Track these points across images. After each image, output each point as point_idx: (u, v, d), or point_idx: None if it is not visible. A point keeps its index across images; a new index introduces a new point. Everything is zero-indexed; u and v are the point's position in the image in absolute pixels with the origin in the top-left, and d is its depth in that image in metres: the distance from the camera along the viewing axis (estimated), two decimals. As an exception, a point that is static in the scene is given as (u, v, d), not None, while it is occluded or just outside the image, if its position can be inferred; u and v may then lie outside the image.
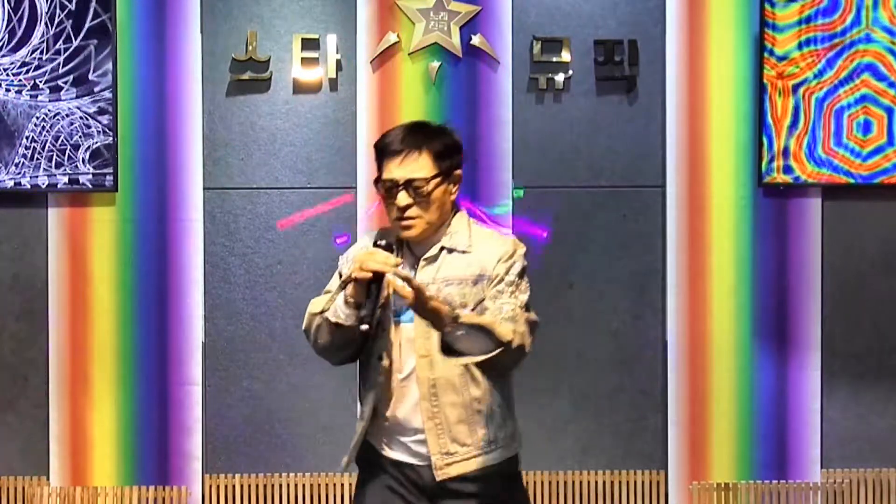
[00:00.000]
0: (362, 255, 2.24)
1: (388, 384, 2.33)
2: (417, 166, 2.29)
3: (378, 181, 2.35)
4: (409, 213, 2.30)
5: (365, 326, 2.21)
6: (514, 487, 2.45)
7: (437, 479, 2.31)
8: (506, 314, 2.27)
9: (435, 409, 2.30)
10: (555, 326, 3.84)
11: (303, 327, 2.41)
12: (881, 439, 3.91)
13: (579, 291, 3.87)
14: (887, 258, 3.91)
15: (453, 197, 2.38)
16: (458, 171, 2.38)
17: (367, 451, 2.41)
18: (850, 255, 3.89)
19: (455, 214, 2.40)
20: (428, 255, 2.34)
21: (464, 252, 2.34)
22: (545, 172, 3.85)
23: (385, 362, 2.32)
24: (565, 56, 3.82)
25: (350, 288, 2.24)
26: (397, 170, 2.30)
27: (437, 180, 2.31)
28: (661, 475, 3.86)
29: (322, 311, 2.31)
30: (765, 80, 3.75)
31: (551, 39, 3.83)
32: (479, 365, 2.27)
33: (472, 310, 2.29)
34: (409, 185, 2.28)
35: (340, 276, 2.42)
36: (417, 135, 2.33)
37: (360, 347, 2.37)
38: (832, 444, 3.88)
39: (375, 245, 2.27)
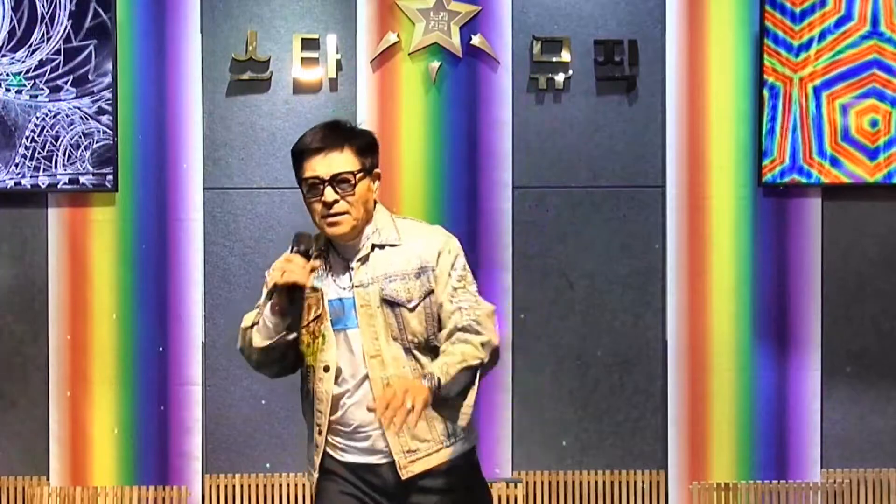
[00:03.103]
0: (281, 262, 2.27)
1: (340, 392, 2.33)
2: (342, 161, 2.31)
3: (301, 181, 2.35)
4: (336, 208, 2.30)
5: (293, 335, 2.28)
6: (476, 479, 2.45)
7: (403, 477, 2.30)
8: (463, 322, 2.30)
9: None
10: (555, 326, 3.84)
11: (238, 346, 2.41)
12: (881, 439, 3.91)
13: (579, 291, 3.87)
14: (887, 258, 3.91)
15: (375, 195, 2.39)
16: (378, 170, 2.40)
17: (323, 459, 2.40)
18: (850, 255, 3.89)
19: (376, 211, 2.41)
20: (360, 255, 2.35)
21: (394, 246, 2.36)
22: (545, 172, 3.85)
23: (332, 372, 2.32)
24: (565, 56, 3.82)
25: (275, 296, 2.27)
26: (321, 166, 2.31)
27: (361, 175, 2.32)
28: (661, 475, 3.86)
29: (253, 325, 2.33)
30: (766, 77, 3.75)
31: (551, 39, 3.83)
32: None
33: (419, 303, 2.31)
34: (334, 180, 2.30)
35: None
36: (337, 132, 2.35)
37: (296, 358, 2.38)
38: (832, 444, 3.88)
39: (292, 251, 2.29)
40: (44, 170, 3.72)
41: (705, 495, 3.83)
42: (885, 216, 3.90)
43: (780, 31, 3.75)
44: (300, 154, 2.36)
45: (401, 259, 2.34)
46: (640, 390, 3.88)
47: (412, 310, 2.31)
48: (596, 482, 3.86)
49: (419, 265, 2.33)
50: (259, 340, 2.31)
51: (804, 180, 3.79)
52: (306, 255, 2.28)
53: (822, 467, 3.87)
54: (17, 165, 3.71)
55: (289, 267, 2.24)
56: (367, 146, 2.36)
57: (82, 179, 3.72)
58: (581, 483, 3.86)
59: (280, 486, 3.82)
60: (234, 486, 3.81)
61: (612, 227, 3.87)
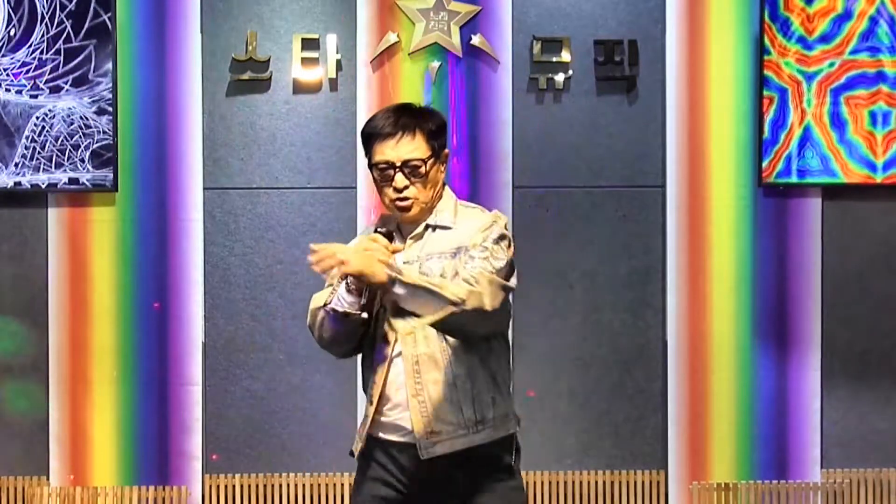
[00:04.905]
0: (365, 241, 2.27)
1: (384, 365, 2.33)
2: (413, 147, 2.32)
3: (372, 165, 2.36)
4: (406, 193, 2.32)
5: (365, 314, 2.25)
6: (506, 469, 2.39)
7: (423, 458, 2.29)
8: (465, 275, 2.24)
9: (418, 385, 2.30)
10: (555, 327, 3.84)
11: (307, 323, 2.41)
12: (881, 439, 3.91)
13: (579, 291, 3.87)
14: (887, 258, 3.91)
15: (443, 176, 2.40)
16: (447, 151, 2.41)
17: (366, 443, 2.40)
18: (850, 255, 3.89)
19: (443, 194, 2.42)
20: (414, 233, 2.37)
21: (447, 228, 2.37)
22: (545, 172, 3.85)
23: (383, 343, 2.33)
24: (565, 56, 3.82)
25: (353, 276, 2.25)
26: (392, 152, 2.31)
27: (432, 160, 2.34)
28: (661, 475, 3.86)
29: (325, 305, 2.33)
30: (767, 73, 3.75)
31: (551, 39, 3.83)
32: (436, 326, 2.24)
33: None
34: (405, 165, 2.31)
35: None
36: (408, 116, 2.35)
37: (363, 338, 2.38)
38: (832, 444, 3.88)
39: (376, 231, 2.30)
40: (44, 170, 3.72)
41: (705, 495, 3.83)
42: (885, 216, 3.90)
43: (793, 18, 3.73)
44: (371, 138, 2.36)
45: (445, 241, 2.35)
46: (640, 390, 3.88)
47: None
48: (596, 482, 3.86)
49: (457, 245, 2.34)
50: (331, 320, 2.31)
51: (810, 180, 3.79)
52: (389, 237, 2.29)
53: (822, 467, 3.87)
54: (17, 165, 3.71)
55: (373, 247, 2.23)
56: (437, 129, 2.37)
57: (82, 179, 3.72)
58: (581, 483, 3.86)
59: (280, 486, 3.82)
60: (234, 486, 3.81)
61: (612, 227, 3.87)
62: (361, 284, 2.24)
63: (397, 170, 2.31)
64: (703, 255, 3.84)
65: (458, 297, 2.19)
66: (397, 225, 2.40)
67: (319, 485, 3.82)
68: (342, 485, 3.81)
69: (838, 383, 3.89)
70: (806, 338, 3.85)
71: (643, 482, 3.86)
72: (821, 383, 3.86)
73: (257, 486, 3.82)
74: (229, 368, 3.84)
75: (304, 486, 3.82)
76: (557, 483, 3.85)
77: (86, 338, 3.78)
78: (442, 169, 2.39)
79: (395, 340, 2.33)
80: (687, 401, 3.84)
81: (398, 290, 2.17)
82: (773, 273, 3.85)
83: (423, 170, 2.32)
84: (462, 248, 2.33)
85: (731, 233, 3.84)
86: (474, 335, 2.32)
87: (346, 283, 2.27)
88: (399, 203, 2.33)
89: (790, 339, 3.86)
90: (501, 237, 2.34)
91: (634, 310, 3.88)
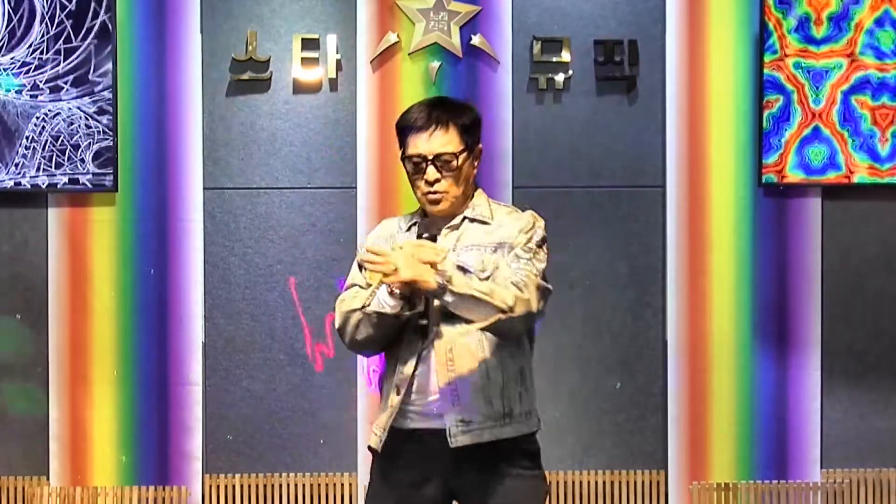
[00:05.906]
0: (412, 248, 2.25)
1: (415, 356, 2.34)
2: (446, 140, 2.34)
3: (405, 158, 2.38)
4: (437, 187, 2.35)
5: (424, 321, 2.27)
6: (530, 465, 2.42)
7: (451, 445, 2.30)
8: (514, 279, 2.28)
9: (451, 373, 2.31)
10: (555, 327, 3.84)
11: (336, 325, 2.41)
12: (881, 439, 3.91)
13: (579, 291, 3.87)
14: (887, 258, 3.91)
15: (475, 171, 2.43)
16: (480, 146, 2.43)
17: (389, 435, 2.38)
18: (849, 255, 3.89)
19: (476, 191, 2.45)
20: (451, 223, 2.39)
21: (484, 223, 2.40)
22: (545, 172, 3.85)
23: (419, 333, 2.34)
24: (565, 56, 3.82)
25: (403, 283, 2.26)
26: (425, 145, 2.34)
27: (464, 154, 2.36)
28: (661, 475, 3.86)
29: (363, 307, 2.33)
30: (773, 72, 3.74)
31: (551, 39, 3.83)
32: (485, 330, 2.28)
33: (491, 276, 2.30)
34: (437, 159, 2.33)
35: (360, 266, 2.43)
36: (443, 110, 2.37)
37: (398, 336, 2.37)
38: (832, 444, 3.88)
39: (420, 237, 2.30)
40: (44, 170, 3.72)
41: (705, 495, 3.83)
42: (885, 216, 3.90)
43: (800, 14, 3.73)
44: (405, 130, 2.38)
45: (483, 233, 2.38)
46: (640, 390, 3.88)
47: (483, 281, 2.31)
48: (596, 482, 3.86)
49: (498, 241, 2.36)
50: (369, 322, 2.31)
51: (811, 179, 3.79)
52: (433, 241, 2.29)
53: (822, 467, 3.87)
54: (17, 165, 3.71)
55: (422, 253, 2.23)
56: (472, 124, 2.39)
57: (82, 179, 3.72)
58: (581, 483, 3.86)
59: (280, 486, 3.82)
60: (234, 486, 3.81)
61: (612, 227, 3.87)
62: (406, 289, 2.25)
63: (429, 163, 2.33)
64: (703, 255, 3.84)
65: (506, 305, 2.24)
66: (425, 213, 2.41)
67: (319, 485, 3.82)
68: (342, 485, 3.81)
69: (838, 383, 3.89)
70: (806, 338, 3.85)
71: (643, 482, 3.86)
72: (821, 383, 3.87)
73: (257, 486, 3.82)
74: (229, 368, 3.84)
75: (304, 486, 3.82)
76: (557, 483, 3.85)
77: (86, 338, 3.78)
78: (475, 164, 2.41)
79: (428, 334, 2.33)
80: (687, 401, 3.84)
81: (447, 297, 2.21)
82: (773, 273, 3.85)
83: (454, 164, 2.34)
84: (504, 245, 2.36)
85: (731, 233, 3.84)
86: (512, 335, 2.35)
87: (388, 286, 2.27)
88: (430, 196, 2.36)
89: (790, 339, 3.86)
90: (543, 240, 2.40)
91: (634, 310, 3.88)
